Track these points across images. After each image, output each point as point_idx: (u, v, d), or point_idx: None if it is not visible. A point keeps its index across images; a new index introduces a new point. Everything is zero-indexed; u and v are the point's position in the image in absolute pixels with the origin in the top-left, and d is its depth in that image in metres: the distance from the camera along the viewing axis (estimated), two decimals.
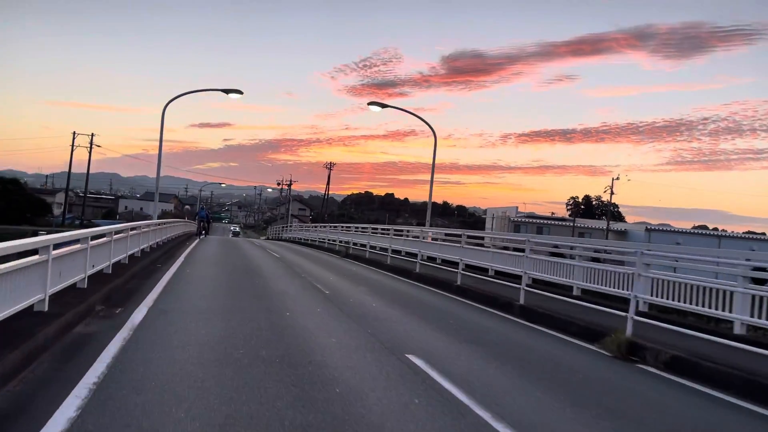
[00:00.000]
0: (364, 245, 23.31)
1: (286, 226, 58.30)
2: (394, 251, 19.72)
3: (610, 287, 9.97)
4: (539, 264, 11.78)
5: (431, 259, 18.25)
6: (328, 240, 30.84)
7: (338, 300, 10.85)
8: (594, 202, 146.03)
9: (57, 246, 6.60)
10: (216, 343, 6.47)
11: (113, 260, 10.61)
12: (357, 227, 27.29)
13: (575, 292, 11.49)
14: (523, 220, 64.87)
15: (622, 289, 9.43)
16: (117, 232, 10.77)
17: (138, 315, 7.73)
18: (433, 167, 23.16)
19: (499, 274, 14.36)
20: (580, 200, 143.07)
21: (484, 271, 14.78)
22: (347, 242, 26.58)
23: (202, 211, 36.97)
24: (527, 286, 10.94)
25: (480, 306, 11.57)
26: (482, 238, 17.56)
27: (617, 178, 71.75)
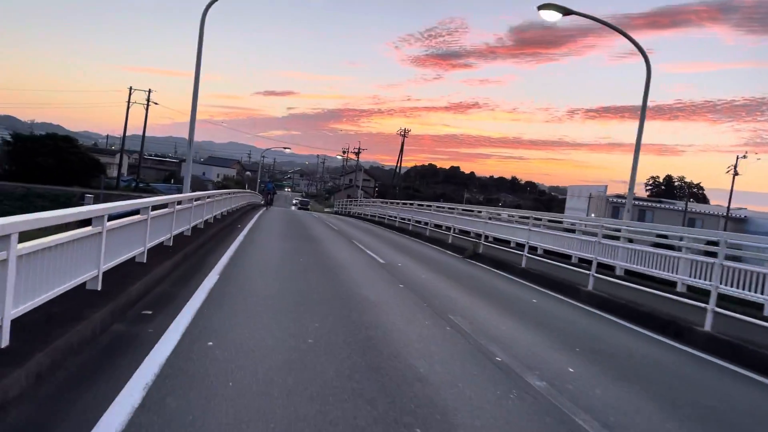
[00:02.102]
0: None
1: (354, 200, 52.46)
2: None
3: None
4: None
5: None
6: (425, 223, 24.11)
7: None
8: (676, 183, 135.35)
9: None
10: None
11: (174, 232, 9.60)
12: (454, 208, 21.20)
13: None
14: (622, 202, 56.42)
15: None
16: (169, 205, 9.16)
17: None
18: (643, 119, 14.68)
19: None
20: (660, 180, 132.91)
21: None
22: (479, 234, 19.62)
23: (269, 183, 42.53)
24: None
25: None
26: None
27: (744, 157, 60.26)
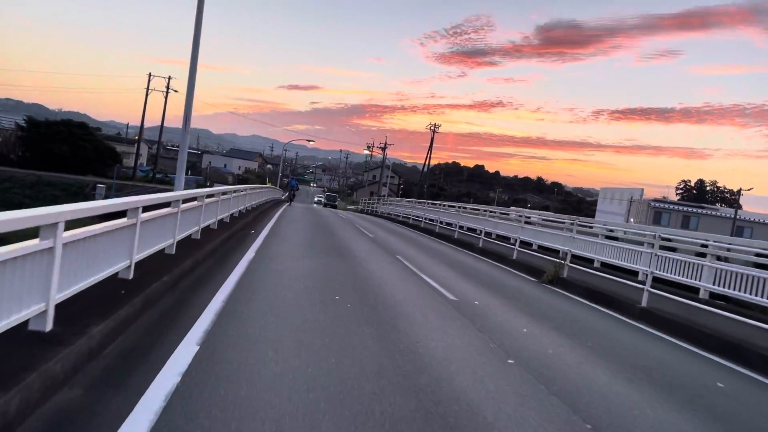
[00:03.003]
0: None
1: (380, 197, 49.46)
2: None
3: None
4: None
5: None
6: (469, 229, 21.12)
7: None
8: (708, 187, 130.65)
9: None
10: None
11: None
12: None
13: None
14: (665, 206, 52.64)
15: None
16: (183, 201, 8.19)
17: None
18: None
19: None
20: (692, 184, 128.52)
21: None
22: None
23: (292, 180, 42.95)
24: None
25: None
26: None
27: None
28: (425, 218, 25.78)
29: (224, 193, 12.66)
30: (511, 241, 16.56)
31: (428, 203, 27.85)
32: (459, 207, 23.67)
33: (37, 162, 43.49)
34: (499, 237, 19.07)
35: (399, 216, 32.72)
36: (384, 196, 52.69)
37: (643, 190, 67.18)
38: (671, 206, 53.32)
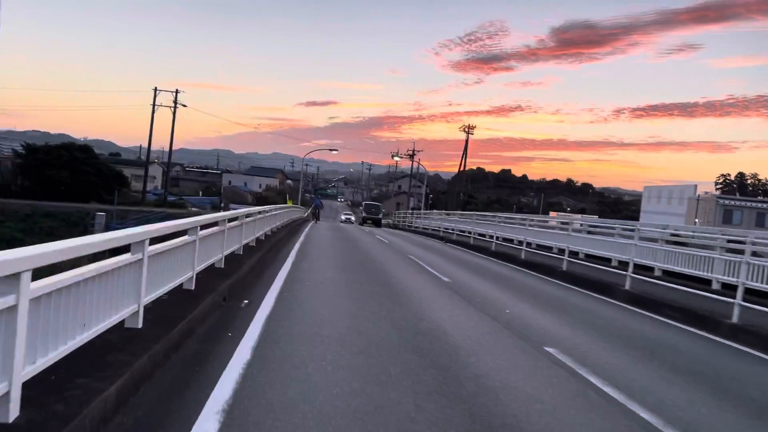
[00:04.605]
0: None
1: (414, 211, 44.60)
2: None
3: None
4: None
5: None
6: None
7: None
8: (749, 180, 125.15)
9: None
10: None
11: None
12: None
13: None
14: (736, 203, 46.82)
15: None
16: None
17: None
18: None
19: None
20: (732, 178, 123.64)
21: None
22: None
23: (317, 199, 42.96)
24: None
25: None
26: None
27: None
28: (496, 237, 20.54)
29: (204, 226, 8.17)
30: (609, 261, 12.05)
31: (475, 215, 23.12)
32: (522, 219, 19.21)
33: (37, 191, 39.87)
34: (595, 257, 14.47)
35: (450, 232, 27.30)
36: (419, 208, 47.89)
37: (696, 186, 61.27)
38: (741, 203, 47.49)
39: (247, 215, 11.05)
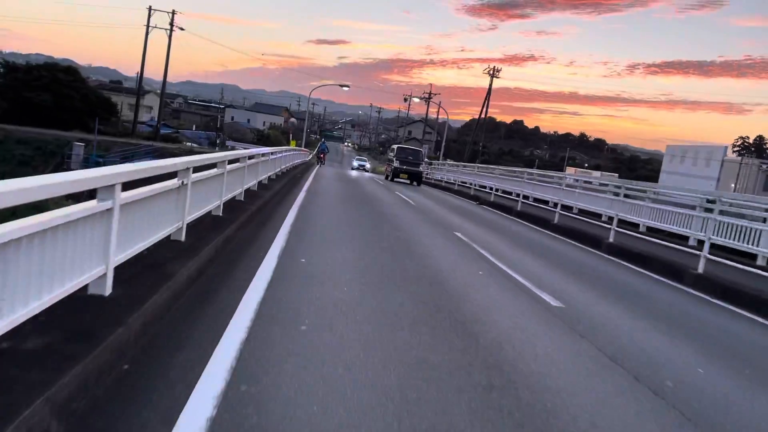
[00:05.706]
0: None
1: (431, 162, 40.97)
2: None
3: None
4: None
5: None
6: None
7: None
8: None
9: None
10: None
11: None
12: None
13: None
14: None
15: None
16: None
17: None
18: None
19: None
20: (750, 141, 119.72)
21: None
22: None
23: (322, 144, 45.39)
24: None
25: None
26: None
27: None
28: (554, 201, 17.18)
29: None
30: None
31: (498, 170, 19.59)
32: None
33: (16, 115, 36.19)
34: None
35: (480, 189, 23.86)
36: (432, 157, 44.29)
37: (726, 147, 57.12)
38: None
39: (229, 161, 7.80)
